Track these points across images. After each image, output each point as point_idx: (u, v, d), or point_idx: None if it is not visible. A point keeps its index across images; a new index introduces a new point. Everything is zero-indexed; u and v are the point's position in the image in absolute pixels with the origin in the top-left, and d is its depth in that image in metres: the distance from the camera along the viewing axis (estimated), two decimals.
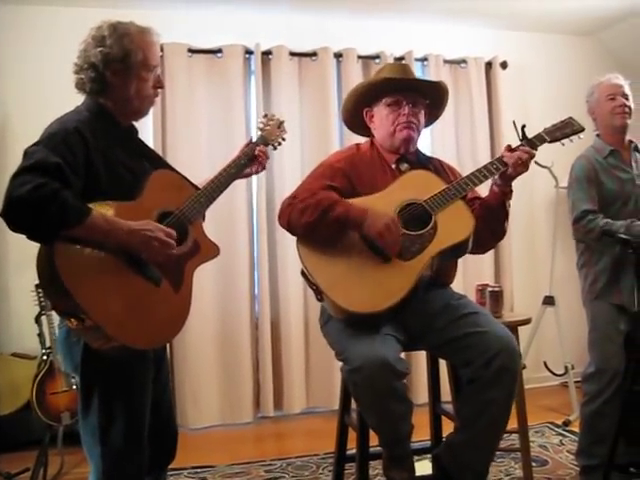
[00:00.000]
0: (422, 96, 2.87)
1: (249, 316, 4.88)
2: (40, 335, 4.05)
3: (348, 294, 2.54)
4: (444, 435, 2.93)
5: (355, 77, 5.02)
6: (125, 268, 2.07)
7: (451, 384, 3.13)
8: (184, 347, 4.65)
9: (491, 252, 5.00)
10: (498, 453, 3.80)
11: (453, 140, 5.30)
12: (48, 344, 4.00)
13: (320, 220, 2.57)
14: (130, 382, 2.17)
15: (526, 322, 3.35)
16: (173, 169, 2.44)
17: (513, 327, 3.10)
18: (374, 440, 2.63)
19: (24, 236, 1.91)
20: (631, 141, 3.44)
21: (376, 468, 3.28)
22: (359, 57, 5.15)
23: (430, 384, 3.30)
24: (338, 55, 5.11)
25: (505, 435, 3.90)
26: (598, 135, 3.46)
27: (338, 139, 5.00)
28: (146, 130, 3.91)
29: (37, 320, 4.05)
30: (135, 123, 2.39)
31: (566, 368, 4.95)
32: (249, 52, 4.95)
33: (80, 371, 2.15)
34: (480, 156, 5.30)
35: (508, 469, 3.71)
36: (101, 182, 2.09)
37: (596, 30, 5.65)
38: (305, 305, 4.95)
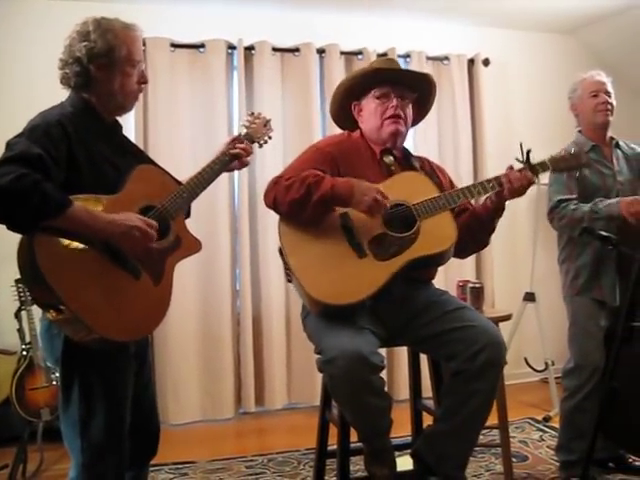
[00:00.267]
0: (410, 90, 2.87)
1: (230, 312, 4.87)
2: (20, 330, 4.03)
3: (315, 280, 2.53)
4: None
5: (338, 73, 5.03)
6: (105, 260, 2.08)
7: (432, 380, 3.14)
8: (165, 343, 4.64)
9: None
10: (479, 448, 3.84)
11: (435, 136, 5.31)
12: (28, 339, 3.97)
13: (306, 196, 2.54)
14: (111, 375, 2.17)
15: (507, 318, 3.35)
16: (156, 164, 2.44)
17: (494, 323, 3.11)
18: (355, 436, 2.64)
19: (4, 232, 1.91)
20: (612, 138, 3.46)
21: (357, 464, 3.29)
22: (342, 53, 5.15)
23: (411, 380, 3.31)
24: (321, 51, 5.11)
25: (486, 431, 3.94)
26: (580, 131, 3.48)
27: (320, 135, 4.98)
28: (128, 124, 3.87)
29: (17, 315, 4.02)
30: (118, 118, 2.39)
31: (546, 364, 4.98)
32: (232, 47, 4.93)
33: (61, 364, 2.15)
34: (462, 152, 5.34)
35: (488, 464, 3.72)
36: (83, 175, 2.10)
37: (577, 28, 5.68)
38: (287, 301, 4.94)
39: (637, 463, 3.48)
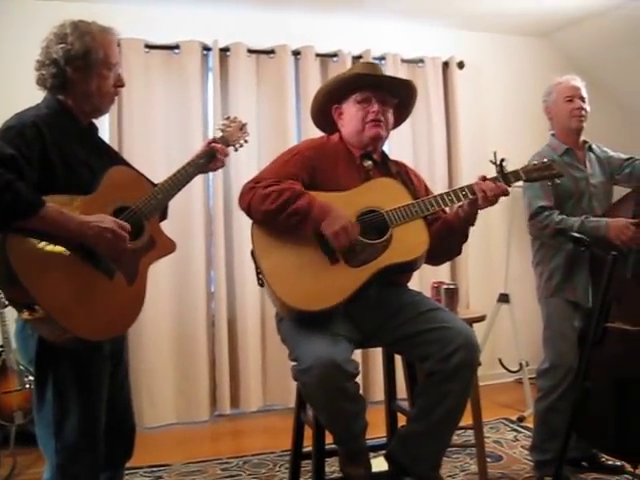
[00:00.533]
0: (391, 95, 2.86)
1: (205, 314, 4.85)
2: None
3: (287, 286, 2.54)
4: None
5: (313, 75, 5.04)
6: (78, 260, 2.09)
7: (407, 381, 3.15)
8: (140, 345, 4.61)
9: None
10: (453, 449, 3.86)
11: (410, 139, 5.33)
12: (0, 342, 3.93)
13: (281, 210, 2.55)
14: (85, 376, 2.17)
15: (481, 319, 3.37)
16: (131, 166, 2.45)
17: (468, 324, 3.13)
18: (330, 437, 2.64)
19: None
20: (585, 141, 3.49)
21: (333, 465, 3.28)
22: (317, 55, 5.15)
23: (386, 381, 3.32)
24: (296, 53, 5.11)
25: (460, 431, 3.96)
26: (553, 134, 3.51)
27: (295, 136, 4.99)
28: (102, 126, 3.82)
29: None
30: (94, 120, 2.40)
31: (521, 365, 5.01)
32: (207, 48, 4.92)
33: (35, 364, 2.15)
34: (437, 155, 5.36)
35: (463, 465, 3.74)
36: (57, 176, 2.11)
37: (551, 32, 5.73)
38: (262, 303, 4.93)
39: (609, 462, 3.51)
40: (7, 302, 2.17)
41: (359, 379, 2.51)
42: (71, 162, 2.16)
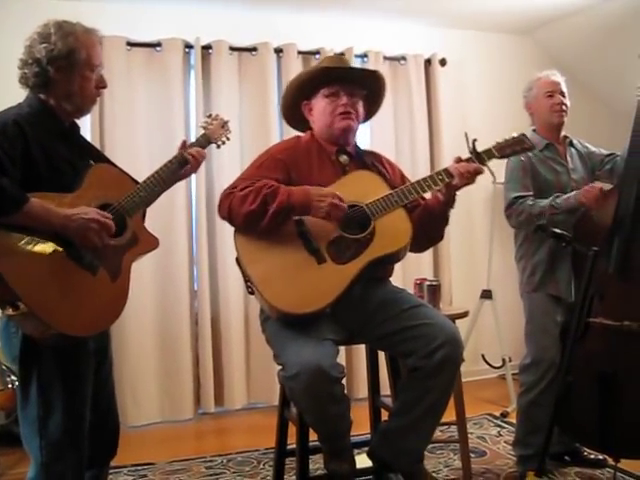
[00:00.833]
0: (360, 87, 2.87)
1: (189, 312, 4.84)
2: None
3: (278, 291, 2.53)
4: None
5: (295, 73, 4.93)
6: (62, 256, 2.10)
7: (390, 377, 3.16)
8: (123, 343, 4.59)
9: None
10: (437, 445, 3.87)
11: (392, 136, 5.33)
12: None
13: (262, 208, 2.54)
14: (69, 372, 2.17)
15: (463, 315, 3.38)
16: (114, 165, 2.46)
17: (451, 320, 3.14)
18: (314, 434, 2.64)
19: None
20: (566, 136, 3.51)
21: (317, 462, 3.29)
22: (299, 52, 5.15)
23: (370, 378, 3.32)
24: (278, 50, 5.10)
25: (444, 427, 3.96)
26: (534, 130, 3.52)
27: (278, 134, 4.98)
28: (84, 124, 3.79)
29: None
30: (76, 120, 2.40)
31: (503, 361, 5.04)
32: (189, 46, 4.90)
33: (19, 362, 2.16)
34: (419, 152, 5.36)
35: (447, 460, 3.75)
36: (40, 174, 2.12)
37: (533, 29, 5.76)
38: (245, 301, 4.92)
39: (592, 456, 3.53)
40: None
41: None
42: (54, 160, 2.17)
